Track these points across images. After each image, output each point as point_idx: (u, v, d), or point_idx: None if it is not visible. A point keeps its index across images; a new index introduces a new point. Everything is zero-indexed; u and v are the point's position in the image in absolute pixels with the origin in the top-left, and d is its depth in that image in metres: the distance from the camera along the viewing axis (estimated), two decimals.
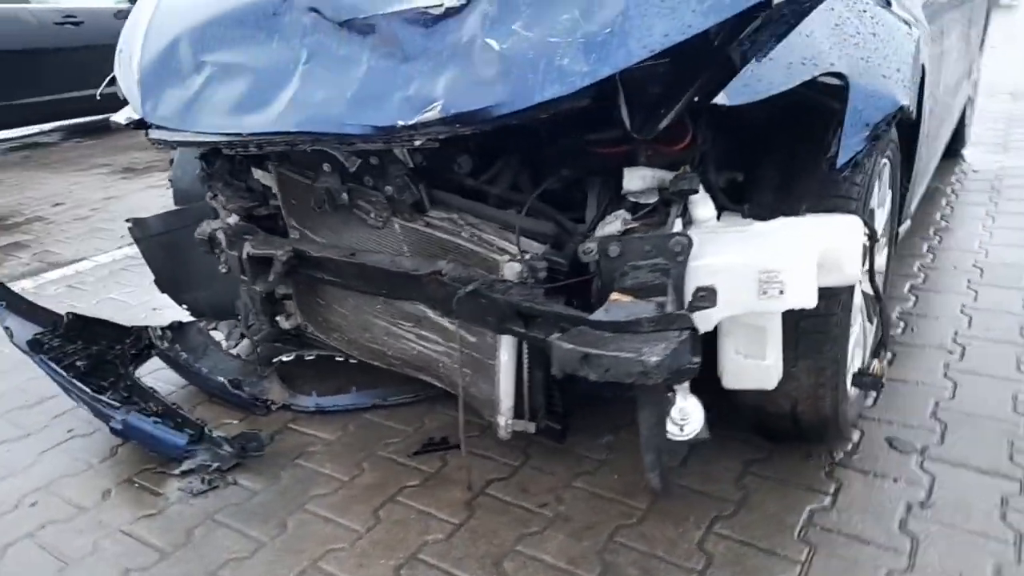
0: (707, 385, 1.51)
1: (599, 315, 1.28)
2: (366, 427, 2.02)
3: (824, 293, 1.46)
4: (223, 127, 1.67)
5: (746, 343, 1.50)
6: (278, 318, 2.03)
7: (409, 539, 1.61)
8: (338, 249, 1.78)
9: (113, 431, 1.90)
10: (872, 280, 1.60)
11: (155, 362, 2.31)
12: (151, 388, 2.11)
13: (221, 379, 2.17)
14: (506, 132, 1.51)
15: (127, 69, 1.95)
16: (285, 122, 1.57)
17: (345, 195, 1.72)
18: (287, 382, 2.21)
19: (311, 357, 2.25)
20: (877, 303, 1.71)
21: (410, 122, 1.43)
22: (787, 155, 1.55)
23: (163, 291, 2.42)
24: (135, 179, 5.20)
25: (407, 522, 1.66)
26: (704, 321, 1.40)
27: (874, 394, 1.99)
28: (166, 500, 1.78)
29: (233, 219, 1.91)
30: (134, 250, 2.80)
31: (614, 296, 1.31)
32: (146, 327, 2.33)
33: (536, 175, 1.73)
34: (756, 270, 1.37)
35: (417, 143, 1.46)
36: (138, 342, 2.28)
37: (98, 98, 2.28)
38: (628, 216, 1.54)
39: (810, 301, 1.38)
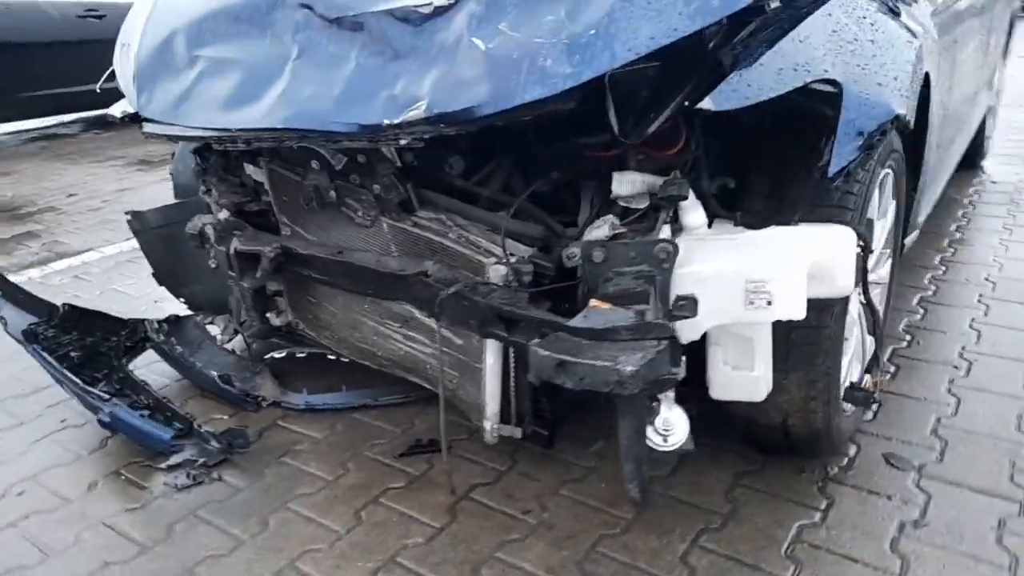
0: (701, 395, 1.48)
1: (577, 322, 1.26)
2: (355, 427, 2.00)
3: (816, 304, 1.42)
4: (213, 122, 1.67)
5: (734, 354, 1.46)
6: (269, 315, 2.02)
7: (389, 542, 1.59)
8: (325, 247, 1.77)
9: (101, 423, 1.89)
10: (865, 292, 1.56)
11: (152, 355, 2.31)
12: (143, 381, 2.10)
13: (213, 374, 2.16)
14: (498, 133, 1.49)
15: (125, 62, 1.95)
16: (273, 118, 1.56)
17: (333, 193, 1.70)
18: (280, 379, 2.21)
19: (303, 355, 2.24)
20: (871, 316, 1.67)
21: (395, 121, 1.41)
22: (781, 163, 1.51)
23: (161, 284, 2.42)
24: (150, 171, 5.23)
25: (388, 524, 1.64)
26: (690, 330, 1.37)
27: (873, 408, 1.95)
28: (150, 494, 1.77)
29: (224, 214, 1.90)
30: None
31: (593, 303, 1.28)
32: (143, 320, 2.34)
33: (529, 177, 1.71)
34: (743, 280, 1.33)
35: (403, 142, 1.44)
36: (133, 335, 2.28)
37: (98, 91, 2.28)
38: (616, 221, 1.51)
39: (798, 313, 1.34)
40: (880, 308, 1.99)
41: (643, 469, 1.34)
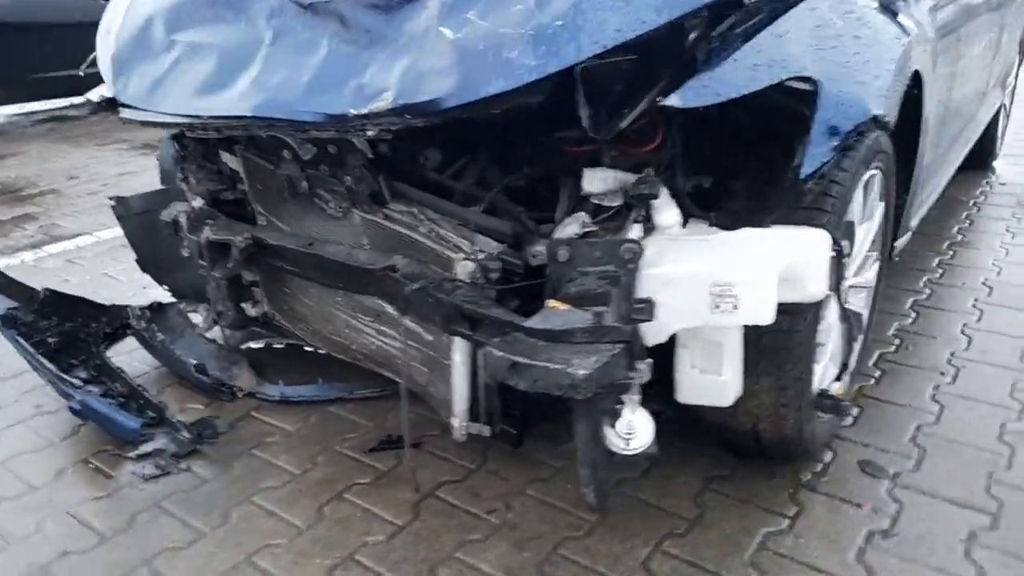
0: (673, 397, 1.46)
1: (534, 322, 1.23)
2: (328, 420, 1.99)
3: (788, 309, 1.39)
4: (185, 108, 1.65)
5: (702, 357, 1.43)
6: (245, 305, 2.00)
7: (349, 539, 1.57)
8: (298, 238, 1.75)
9: (72, 411, 1.89)
10: (839, 298, 1.52)
11: (135, 342, 2.30)
12: (119, 368, 2.10)
13: (191, 363, 2.15)
14: (475, 125, 1.46)
15: (105, 47, 1.93)
16: (243, 106, 1.54)
17: (305, 183, 1.68)
18: (261, 369, 2.19)
19: (281, 346, 2.23)
20: (846, 322, 1.63)
21: (362, 111, 1.39)
22: (759, 162, 1.47)
23: (144, 271, 2.40)
24: (152, 155, 5.21)
25: (351, 521, 1.62)
26: (656, 333, 1.34)
27: (854, 413, 1.92)
28: (117, 483, 1.76)
29: (198, 203, 1.88)
30: None
31: (551, 303, 1.26)
32: (125, 306, 2.33)
33: (506, 172, 1.68)
34: (709, 282, 1.30)
35: (370, 133, 1.42)
36: (114, 321, 2.27)
37: (81, 75, 2.26)
38: (588, 219, 1.48)
39: (766, 318, 1.31)
40: (865, 312, 1.96)
41: (600, 474, 1.32)
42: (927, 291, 2.65)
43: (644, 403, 1.38)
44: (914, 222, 2.28)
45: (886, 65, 1.48)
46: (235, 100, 1.55)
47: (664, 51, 1.28)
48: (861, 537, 1.54)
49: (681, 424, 1.78)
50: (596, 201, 1.51)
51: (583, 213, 1.49)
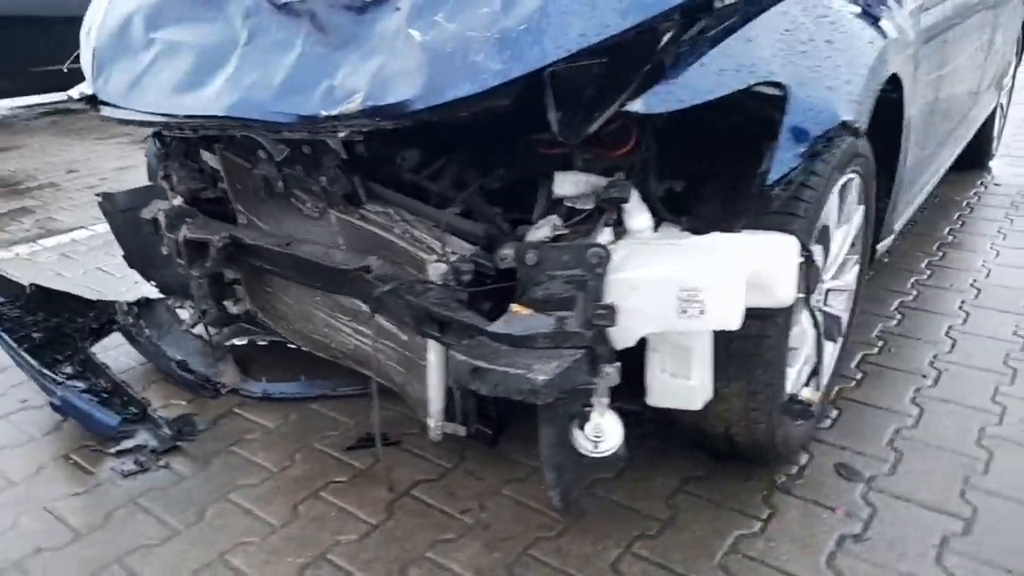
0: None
1: (497, 327, 1.23)
2: (309, 417, 2.00)
3: (757, 314, 1.39)
4: (162, 107, 1.66)
5: (672, 361, 1.43)
6: (227, 302, 2.01)
7: (322, 537, 1.58)
8: (276, 237, 1.76)
9: (53, 407, 1.90)
10: (807, 304, 1.52)
11: (121, 337, 2.31)
12: (104, 364, 2.11)
13: (176, 358, 2.16)
14: (450, 127, 1.46)
15: (87, 43, 1.94)
16: (217, 105, 1.55)
17: (280, 183, 1.69)
18: (245, 366, 2.20)
19: (265, 343, 2.24)
20: (816, 328, 1.63)
21: (332, 113, 1.39)
22: (731, 166, 1.47)
23: (132, 267, 2.42)
24: None
25: (325, 519, 1.63)
26: (624, 337, 1.34)
27: (832, 416, 1.92)
28: (96, 479, 1.78)
29: (177, 201, 1.89)
30: None
31: (514, 307, 1.26)
32: (112, 302, 2.34)
33: (483, 173, 1.68)
34: (676, 287, 1.29)
35: (341, 135, 1.43)
36: (100, 317, 2.28)
37: (65, 71, 2.27)
38: (559, 222, 1.48)
39: (733, 323, 1.30)
40: (845, 316, 1.96)
41: (565, 477, 1.32)
42: (914, 292, 2.64)
43: (625, 404, 1.39)
44: (898, 224, 2.27)
45: (858, 70, 1.47)
46: (210, 100, 1.56)
47: (633, 55, 1.28)
48: (833, 541, 1.54)
49: (659, 425, 1.79)
50: (569, 204, 1.51)
51: (554, 216, 1.48)
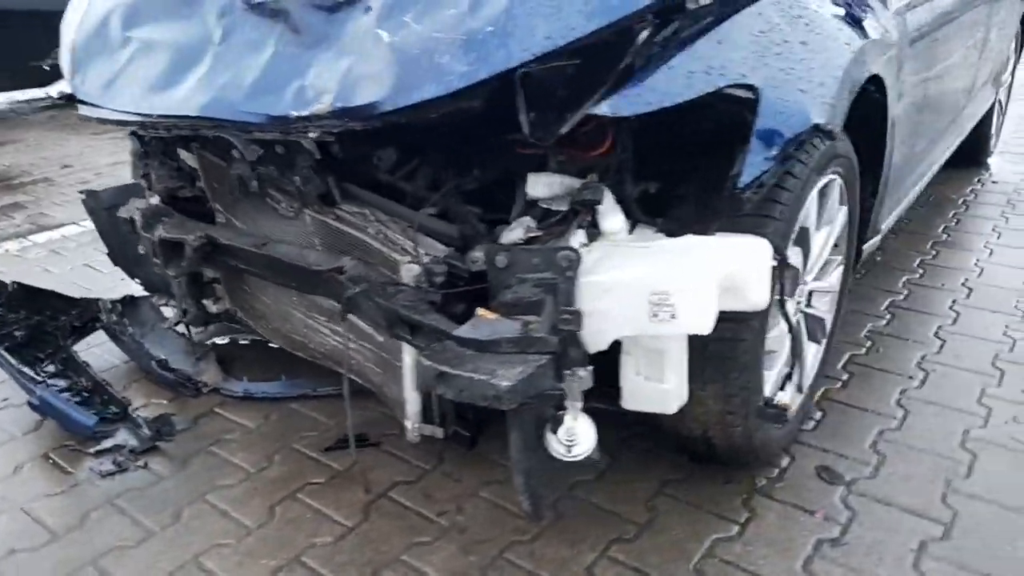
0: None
1: (463, 331, 1.22)
2: (289, 417, 1.99)
3: (732, 317, 1.38)
4: (136, 106, 1.65)
5: (646, 365, 1.42)
6: (206, 301, 2.00)
7: (297, 540, 1.58)
8: (252, 237, 1.74)
9: (31, 406, 1.90)
10: (782, 308, 1.50)
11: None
12: (84, 363, 2.11)
13: (158, 357, 2.16)
14: (424, 127, 1.45)
15: (65, 41, 1.93)
16: (190, 105, 1.54)
17: (255, 183, 1.67)
18: (229, 365, 2.20)
19: (246, 342, 2.23)
20: (792, 331, 1.61)
21: (303, 113, 1.38)
22: (706, 168, 1.45)
23: (116, 264, 2.41)
24: None
25: (300, 521, 1.63)
26: (597, 340, 1.32)
27: (816, 418, 1.91)
28: (74, 479, 1.77)
29: (154, 200, 1.88)
30: None
31: (481, 312, 1.25)
32: (96, 300, 2.34)
33: (460, 173, 1.66)
34: (647, 291, 1.28)
35: (312, 135, 1.41)
36: (84, 315, 2.28)
37: (46, 69, 2.26)
38: (532, 224, 1.46)
39: (705, 327, 1.29)
40: (829, 317, 1.94)
41: (534, 482, 1.31)
42: (905, 292, 2.62)
43: (608, 405, 1.38)
44: (885, 224, 2.25)
45: (832, 72, 1.45)
46: (182, 99, 1.54)
47: (603, 57, 1.26)
48: (810, 545, 1.53)
49: (644, 427, 1.78)
50: (544, 206, 1.49)
51: (527, 218, 1.47)
